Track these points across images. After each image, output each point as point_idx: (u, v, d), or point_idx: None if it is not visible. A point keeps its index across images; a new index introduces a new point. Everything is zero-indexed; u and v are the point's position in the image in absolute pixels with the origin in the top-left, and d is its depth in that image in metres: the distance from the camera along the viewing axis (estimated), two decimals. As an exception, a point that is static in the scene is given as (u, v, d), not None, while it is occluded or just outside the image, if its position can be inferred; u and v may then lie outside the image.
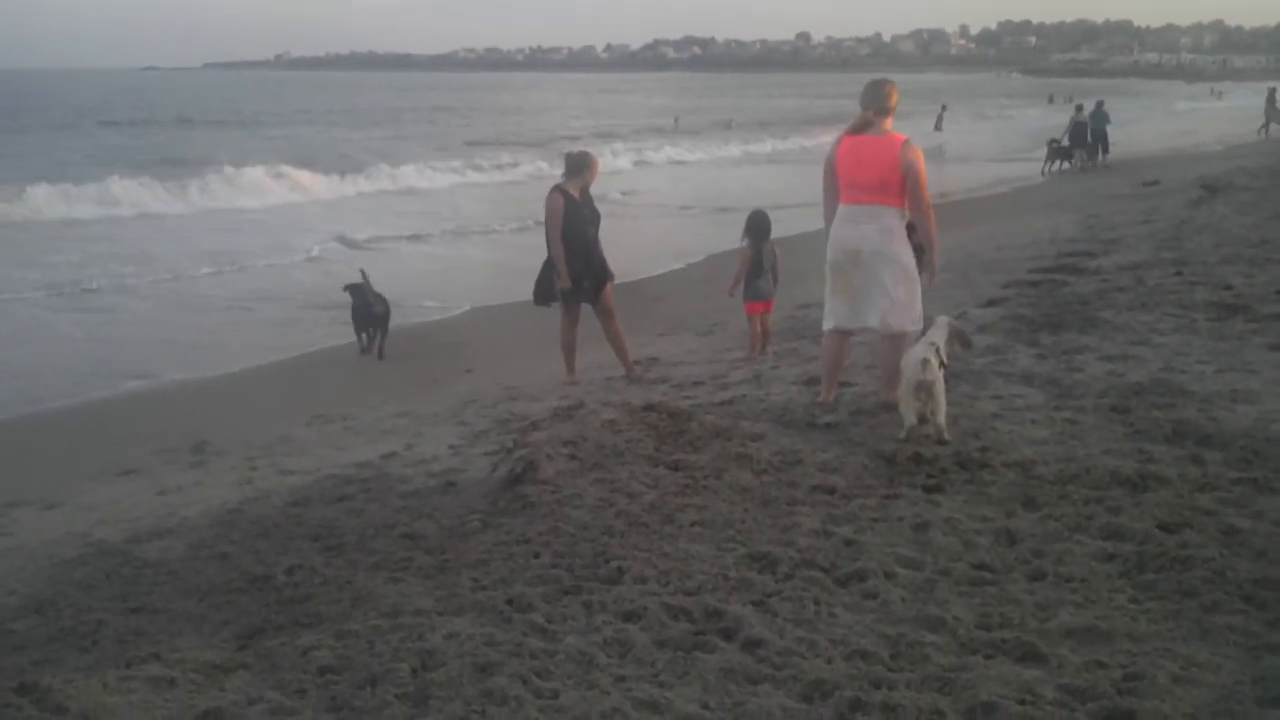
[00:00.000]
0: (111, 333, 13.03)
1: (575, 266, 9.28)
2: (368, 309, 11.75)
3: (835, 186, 7.13)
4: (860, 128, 7.02)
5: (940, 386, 6.26)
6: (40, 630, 4.81)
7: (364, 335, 11.92)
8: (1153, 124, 52.84)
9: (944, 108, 43.70)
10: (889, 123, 7.00)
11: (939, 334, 6.70)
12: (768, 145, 46.24)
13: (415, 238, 20.74)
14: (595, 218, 9.47)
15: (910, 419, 6.32)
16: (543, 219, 9.55)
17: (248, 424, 8.87)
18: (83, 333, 12.98)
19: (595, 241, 9.42)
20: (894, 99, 7.03)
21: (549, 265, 9.36)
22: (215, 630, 4.63)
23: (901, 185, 6.86)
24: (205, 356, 11.61)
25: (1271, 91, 40.69)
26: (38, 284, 15.51)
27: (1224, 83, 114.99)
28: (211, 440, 8.42)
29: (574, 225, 9.21)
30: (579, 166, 9.39)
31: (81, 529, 6.34)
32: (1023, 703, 3.55)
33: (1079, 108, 33.60)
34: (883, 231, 6.93)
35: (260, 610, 4.78)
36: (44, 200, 23.86)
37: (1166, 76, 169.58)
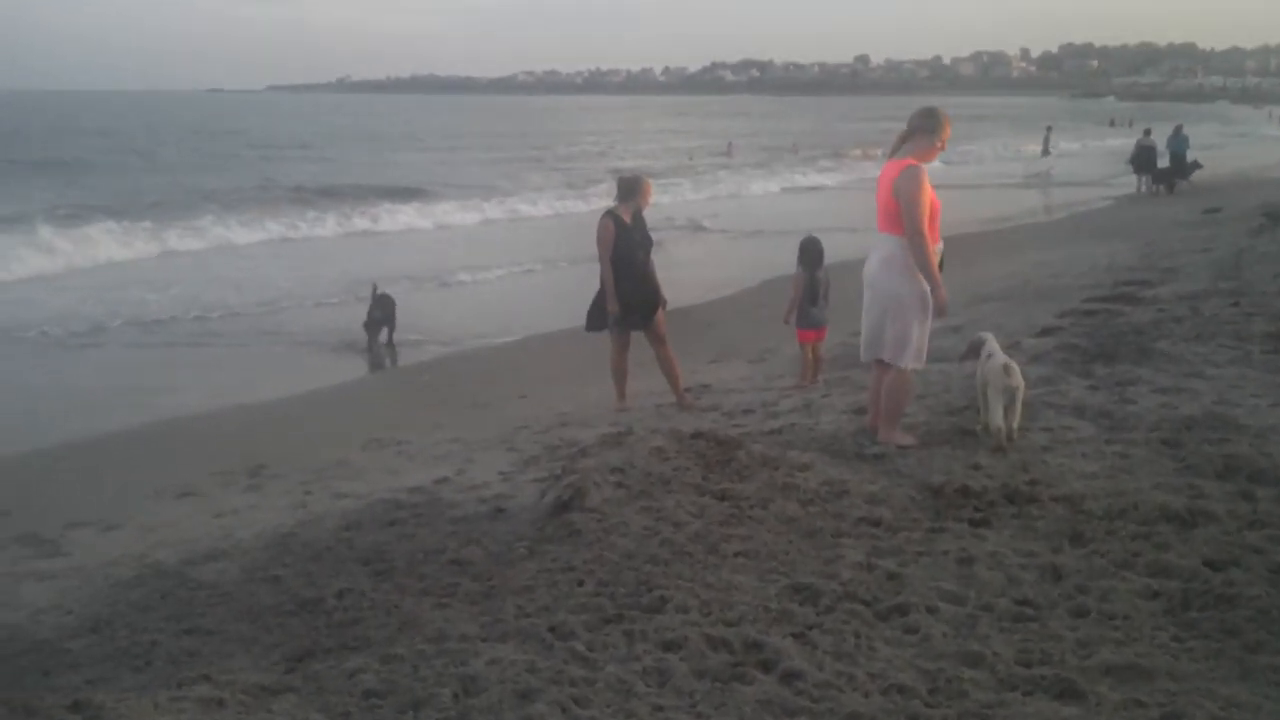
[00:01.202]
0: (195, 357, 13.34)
1: (625, 291, 9.32)
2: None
3: None
4: (890, 152, 6.98)
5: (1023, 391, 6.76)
6: (95, 649, 4.94)
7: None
8: (1232, 149, 52.04)
9: (1049, 129, 42.57)
10: (915, 146, 6.78)
11: (995, 346, 7.06)
12: (823, 173, 46.05)
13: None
14: (646, 242, 9.45)
15: (997, 421, 6.61)
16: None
17: (305, 448, 9.01)
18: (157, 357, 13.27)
19: (646, 266, 9.43)
20: (924, 122, 6.77)
21: (602, 292, 9.43)
22: (265, 652, 4.74)
23: (897, 213, 6.69)
24: (271, 382, 11.83)
25: None
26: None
27: (1268, 105, 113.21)
28: (268, 464, 8.57)
29: (624, 250, 9.25)
30: (630, 190, 9.44)
31: (139, 550, 6.48)
32: (1061, 741, 3.55)
33: (1146, 132, 33.28)
34: (882, 262, 6.88)
35: (310, 633, 4.89)
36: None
37: (1231, 99, 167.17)
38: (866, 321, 7.09)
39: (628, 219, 9.33)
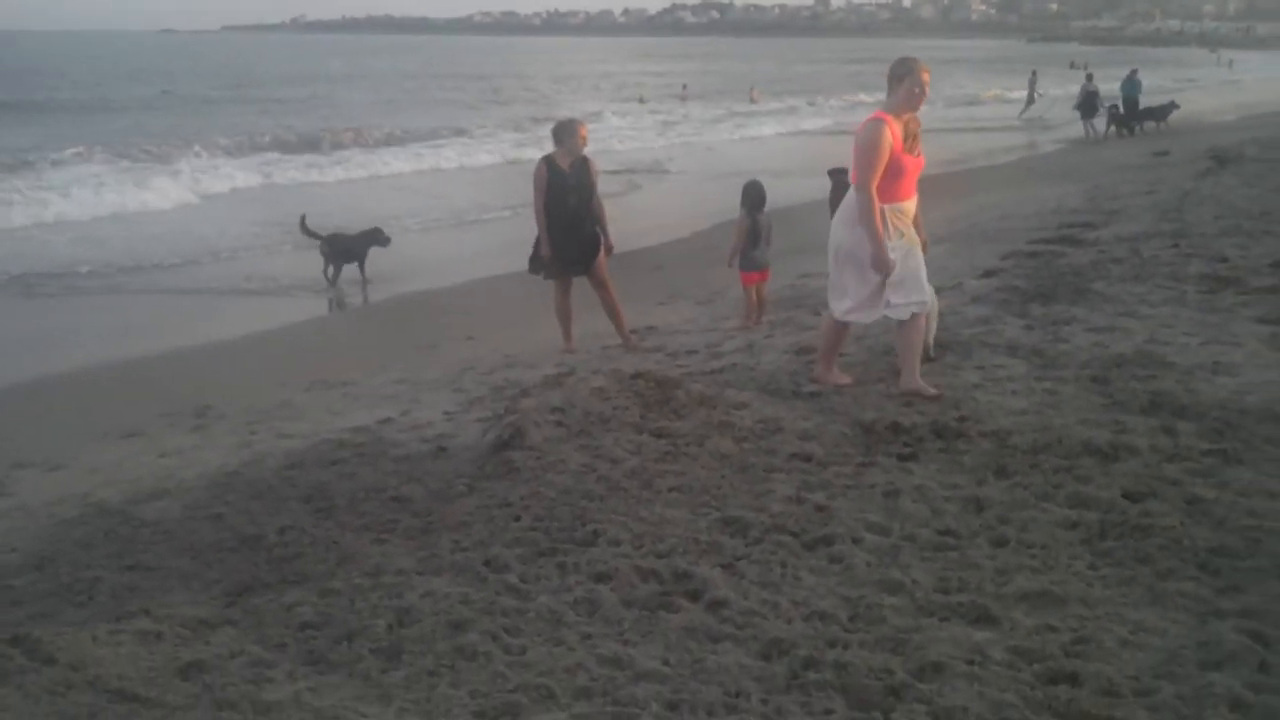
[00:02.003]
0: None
1: (556, 235, 9.35)
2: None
3: None
4: None
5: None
6: (38, 586, 4.99)
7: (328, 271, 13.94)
8: (1187, 93, 52.27)
9: (1035, 74, 41.48)
10: (890, 98, 6.63)
11: None
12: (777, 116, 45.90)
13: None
14: (582, 188, 9.37)
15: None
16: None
17: (250, 389, 9.02)
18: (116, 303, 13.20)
19: (580, 211, 9.40)
20: (896, 70, 6.59)
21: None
22: (206, 588, 4.81)
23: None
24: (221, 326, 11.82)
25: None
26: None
27: (1235, 51, 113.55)
28: (214, 404, 8.59)
29: (555, 195, 9.26)
30: (562, 134, 9.43)
31: (83, 490, 6.51)
32: (971, 663, 3.70)
33: (1089, 77, 33.42)
34: (841, 210, 6.92)
35: (250, 569, 4.97)
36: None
37: (1187, 44, 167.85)
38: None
39: (564, 164, 9.31)
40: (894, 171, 6.54)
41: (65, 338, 11.30)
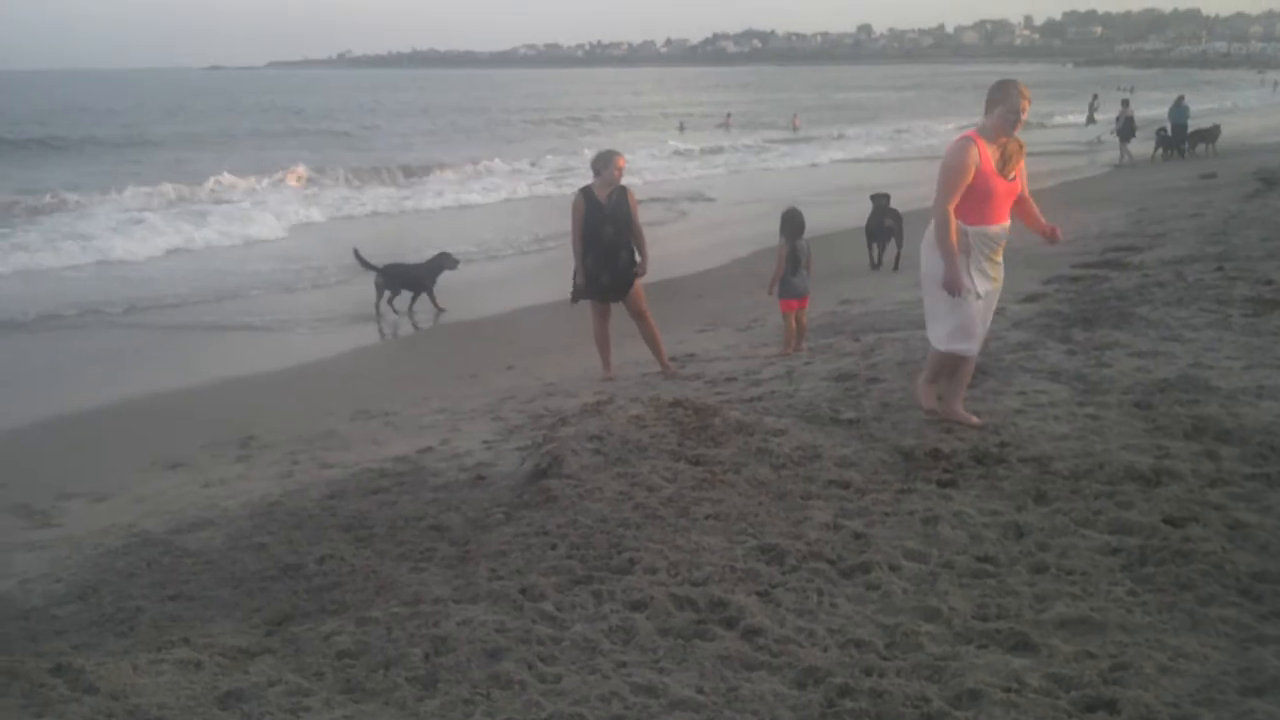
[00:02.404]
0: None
1: (591, 264, 9.45)
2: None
3: None
4: None
5: None
6: (82, 616, 5.05)
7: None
8: (1231, 116, 51.79)
9: (1095, 97, 40.76)
10: (985, 120, 6.39)
11: None
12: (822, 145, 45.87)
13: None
14: (615, 217, 9.46)
15: None
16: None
17: (294, 419, 9.12)
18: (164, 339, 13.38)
19: (618, 241, 9.48)
20: (991, 94, 6.33)
21: None
22: (246, 617, 4.85)
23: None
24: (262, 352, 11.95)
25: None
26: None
27: (1270, 71, 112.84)
28: (258, 435, 8.69)
29: (592, 225, 9.39)
30: (600, 165, 9.53)
31: (128, 520, 6.60)
32: (1008, 690, 3.66)
33: (1125, 102, 33.18)
34: (926, 234, 6.61)
35: (290, 598, 5.01)
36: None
37: (1234, 65, 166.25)
38: None
39: (601, 195, 9.41)
40: (981, 194, 6.29)
41: (124, 367, 11.50)
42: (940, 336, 6.67)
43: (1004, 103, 6.23)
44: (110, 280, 16.62)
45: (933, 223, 6.43)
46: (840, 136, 48.64)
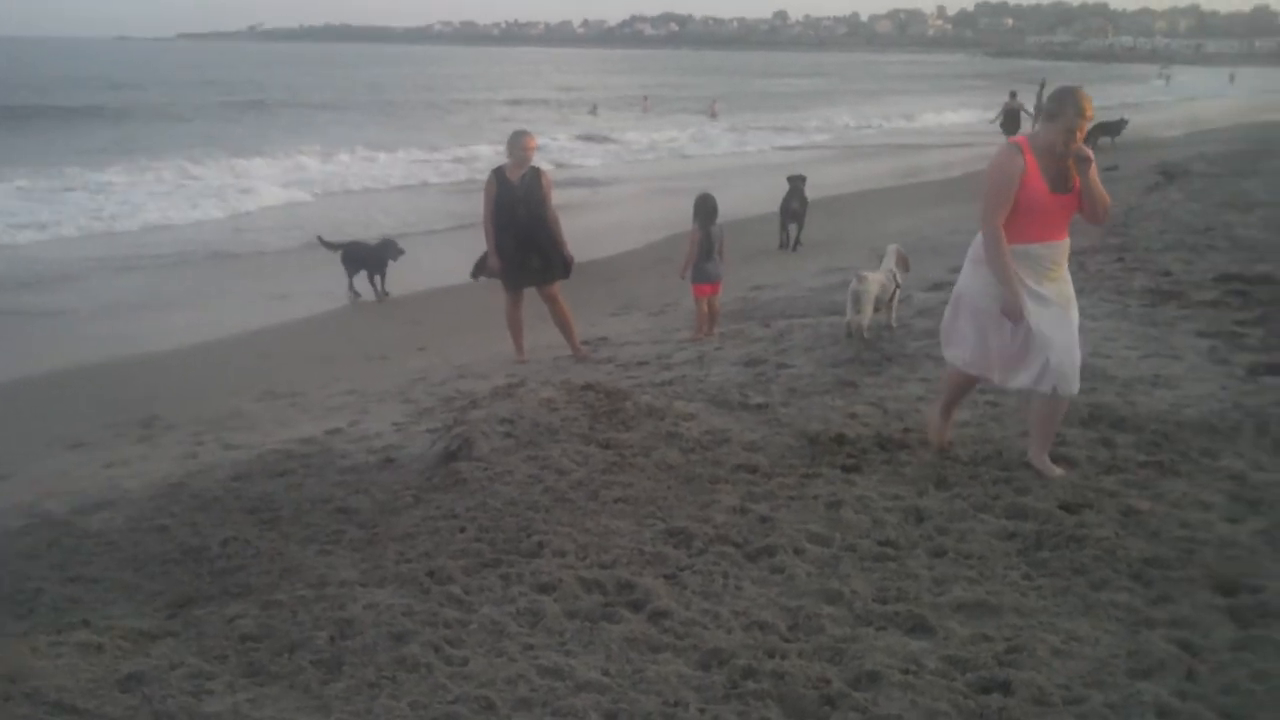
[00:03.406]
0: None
1: (505, 246, 9.45)
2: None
3: None
4: None
5: (871, 296, 8.56)
6: (-22, 597, 4.94)
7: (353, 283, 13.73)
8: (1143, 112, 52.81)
9: (1013, 95, 37.96)
10: (1040, 130, 5.65)
11: (890, 260, 9.02)
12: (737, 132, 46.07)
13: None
14: (531, 199, 9.44)
15: (847, 317, 8.61)
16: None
17: (199, 399, 8.97)
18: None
19: (532, 223, 9.46)
20: (1051, 107, 5.53)
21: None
22: (148, 599, 4.79)
23: None
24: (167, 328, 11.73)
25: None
26: None
27: (1174, 66, 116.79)
28: (162, 415, 8.54)
29: (504, 206, 9.38)
30: (512, 146, 9.52)
31: (27, 500, 6.45)
32: (906, 672, 3.76)
33: (1012, 94, 33.44)
34: (970, 250, 5.86)
35: (193, 581, 4.95)
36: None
37: (1140, 60, 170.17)
38: None
39: (514, 177, 9.39)
40: (1025, 208, 5.49)
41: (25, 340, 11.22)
42: (952, 354, 5.96)
43: (1060, 116, 5.42)
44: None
45: (978, 239, 5.69)
46: (751, 124, 48.80)
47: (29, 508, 6.30)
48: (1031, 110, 32.15)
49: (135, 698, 3.76)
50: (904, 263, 9.21)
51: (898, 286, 8.96)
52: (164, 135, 38.27)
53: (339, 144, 33.98)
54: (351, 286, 13.68)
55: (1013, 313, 5.53)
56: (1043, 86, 34.60)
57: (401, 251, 13.99)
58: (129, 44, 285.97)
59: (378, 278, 13.78)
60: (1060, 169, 5.52)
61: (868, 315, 8.56)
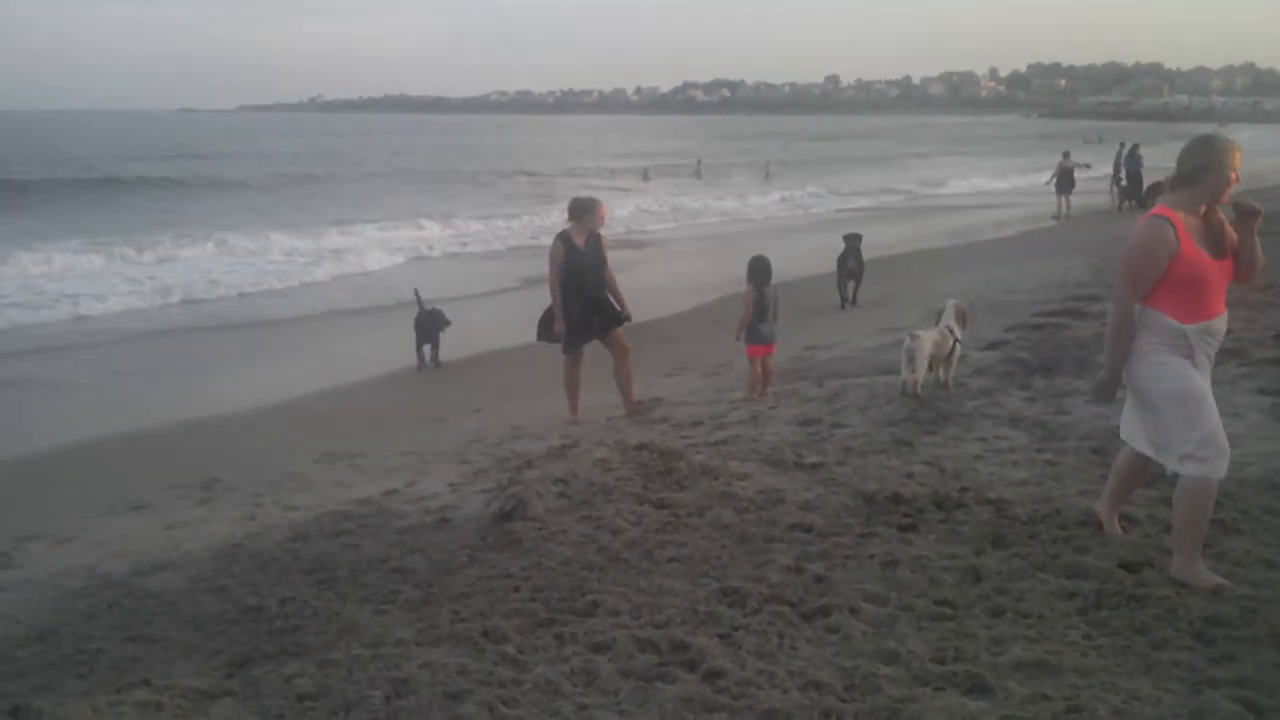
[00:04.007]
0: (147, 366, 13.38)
1: (572, 310, 9.61)
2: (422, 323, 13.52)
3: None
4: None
5: (925, 353, 8.53)
6: (41, 657, 5.02)
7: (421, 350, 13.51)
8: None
9: (1065, 154, 37.45)
10: (1179, 191, 5.07)
11: (949, 315, 8.94)
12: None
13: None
14: (597, 264, 9.68)
15: (902, 376, 8.62)
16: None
17: (259, 461, 9.09)
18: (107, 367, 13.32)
19: (598, 285, 9.67)
20: (1195, 160, 4.97)
21: (551, 308, 9.68)
22: (207, 659, 4.84)
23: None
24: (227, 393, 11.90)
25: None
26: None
27: (1231, 124, 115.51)
28: (222, 477, 8.65)
29: (572, 271, 9.56)
30: (581, 212, 9.68)
31: (89, 562, 6.56)
32: (964, 732, 3.70)
33: (1065, 154, 33.36)
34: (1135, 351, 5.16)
35: (251, 640, 4.99)
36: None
37: (1196, 119, 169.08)
38: None
39: (580, 241, 9.57)
40: (1189, 281, 4.93)
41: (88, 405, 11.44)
42: (1189, 455, 4.94)
43: (1211, 167, 4.90)
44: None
45: (1138, 320, 5.09)
46: (805, 185, 48.94)
47: (90, 569, 6.41)
48: (1117, 172, 32.04)
49: (194, 756, 3.80)
50: (963, 318, 9.11)
51: (957, 341, 8.88)
52: (247, 204, 39.19)
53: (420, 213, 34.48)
54: (423, 354, 13.66)
55: (1105, 392, 5.30)
56: (1123, 147, 34.27)
57: (448, 322, 13.87)
58: (194, 116, 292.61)
59: (427, 346, 13.70)
60: (1213, 232, 5.00)
61: (922, 373, 8.52)
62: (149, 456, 9.61)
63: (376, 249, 26.09)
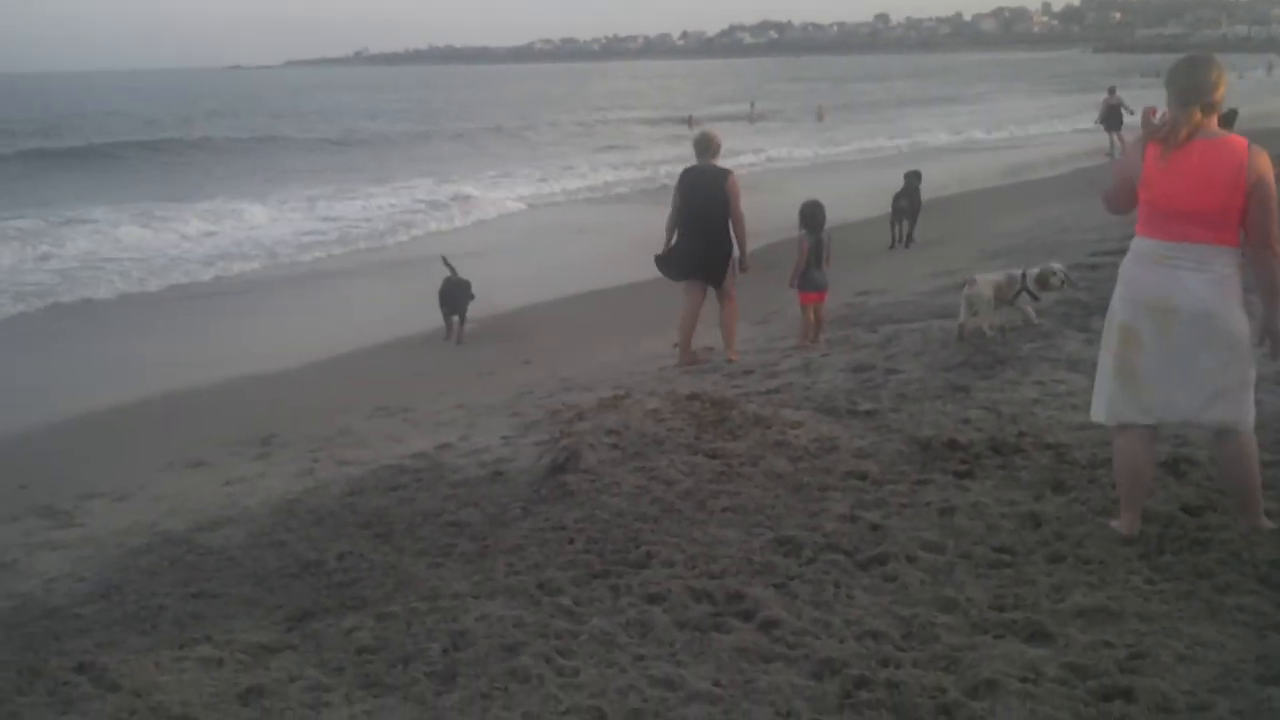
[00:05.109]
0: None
1: (689, 243, 9.75)
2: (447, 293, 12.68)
3: (1129, 207, 5.10)
4: (1179, 133, 4.60)
5: (985, 299, 8.49)
6: (105, 614, 5.09)
7: (450, 320, 12.75)
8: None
9: (1111, 90, 36.35)
10: (1214, 122, 4.67)
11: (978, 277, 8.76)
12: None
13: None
14: (713, 199, 9.66)
15: (960, 320, 8.60)
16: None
17: (313, 417, 9.15)
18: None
19: (712, 221, 9.67)
20: (1222, 89, 4.64)
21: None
22: (267, 613, 4.89)
23: (1242, 214, 4.55)
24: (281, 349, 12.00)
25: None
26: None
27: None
28: (278, 433, 8.73)
29: (687, 203, 9.69)
30: (701, 147, 9.88)
31: (150, 519, 6.64)
32: (1024, 680, 3.66)
33: (1111, 90, 32.52)
34: (1215, 284, 4.65)
35: (310, 594, 5.04)
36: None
37: (1255, 50, 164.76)
38: (1151, 362, 4.77)
39: (699, 173, 9.74)
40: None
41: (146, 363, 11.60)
42: (1249, 407, 4.76)
43: (1216, 96, 4.59)
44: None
45: (1239, 269, 4.72)
46: (859, 125, 48.42)
47: (151, 526, 6.48)
48: None
49: (256, 711, 3.85)
50: (1045, 282, 8.68)
51: (1024, 288, 8.69)
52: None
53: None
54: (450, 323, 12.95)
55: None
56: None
57: (472, 297, 12.86)
58: (243, 73, 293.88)
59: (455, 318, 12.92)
60: None
61: (985, 319, 8.47)
62: (205, 413, 9.72)
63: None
